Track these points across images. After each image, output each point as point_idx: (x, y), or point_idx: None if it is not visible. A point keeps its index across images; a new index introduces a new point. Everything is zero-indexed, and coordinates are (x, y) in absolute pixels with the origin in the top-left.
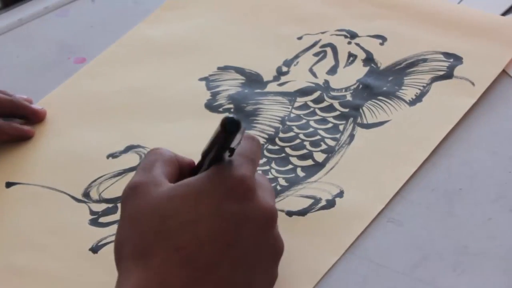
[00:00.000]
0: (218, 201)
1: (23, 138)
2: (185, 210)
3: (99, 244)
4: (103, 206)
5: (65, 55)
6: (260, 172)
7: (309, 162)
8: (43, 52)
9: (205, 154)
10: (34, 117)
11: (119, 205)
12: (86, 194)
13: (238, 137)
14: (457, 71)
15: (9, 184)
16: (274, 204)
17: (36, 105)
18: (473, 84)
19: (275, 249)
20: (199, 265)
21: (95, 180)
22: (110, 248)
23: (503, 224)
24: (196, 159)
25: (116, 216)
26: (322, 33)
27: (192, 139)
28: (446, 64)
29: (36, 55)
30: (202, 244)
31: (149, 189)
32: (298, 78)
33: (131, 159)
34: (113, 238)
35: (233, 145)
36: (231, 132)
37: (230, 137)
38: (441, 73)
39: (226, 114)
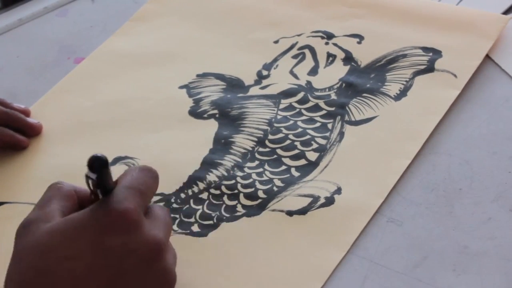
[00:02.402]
0: (99, 235)
1: (17, 147)
2: (64, 245)
3: None
4: None
5: (65, 55)
6: (159, 204)
7: (303, 161)
8: (43, 52)
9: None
10: (30, 131)
11: None
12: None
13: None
14: (438, 64)
15: None
16: (163, 236)
17: (32, 119)
18: (455, 76)
19: (164, 283)
20: None
21: None
22: None
23: (503, 224)
24: (186, 167)
25: None
26: (298, 35)
27: (180, 147)
28: (426, 58)
29: (36, 55)
30: (80, 281)
31: (39, 225)
32: (280, 81)
33: (120, 171)
34: None
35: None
36: (98, 171)
37: (100, 176)
38: (422, 67)
39: (92, 155)
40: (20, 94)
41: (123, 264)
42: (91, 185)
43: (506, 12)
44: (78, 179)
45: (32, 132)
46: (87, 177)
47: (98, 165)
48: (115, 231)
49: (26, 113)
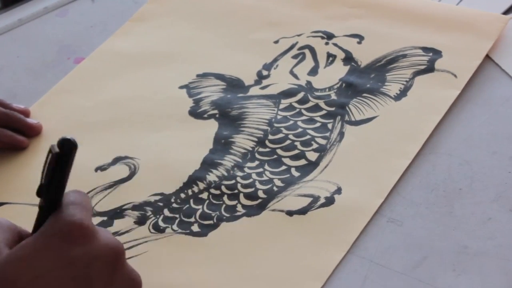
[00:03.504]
0: (62, 249)
1: (17, 147)
2: (30, 267)
3: None
4: (98, 219)
5: (65, 55)
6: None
7: (303, 161)
8: (43, 52)
9: (41, 193)
10: (30, 131)
11: (114, 218)
12: None
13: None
14: (438, 64)
15: None
16: (119, 242)
17: (32, 120)
18: (455, 76)
19: (131, 283)
20: None
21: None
22: None
23: (503, 224)
24: (186, 167)
25: (113, 229)
26: (298, 35)
27: (181, 147)
28: (426, 58)
29: (36, 55)
30: None
31: None
32: (280, 81)
33: (121, 171)
34: None
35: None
36: (69, 151)
37: (68, 157)
38: (422, 67)
39: (61, 137)
40: (20, 94)
41: (90, 271)
42: (46, 169)
43: (506, 12)
44: (78, 179)
45: (31, 132)
46: (50, 162)
47: (67, 147)
48: (76, 242)
49: (26, 113)
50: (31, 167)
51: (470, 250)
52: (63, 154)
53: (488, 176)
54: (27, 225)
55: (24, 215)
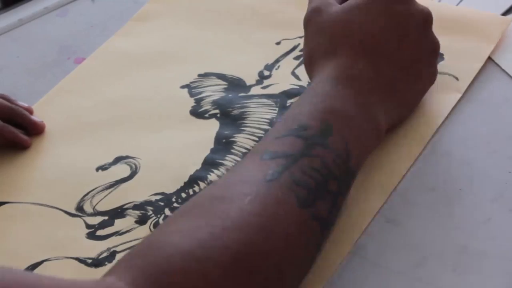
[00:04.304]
0: (386, 4)
1: (19, 145)
2: (361, 14)
3: (100, 257)
4: (99, 219)
5: (65, 55)
6: None
7: None
8: (43, 52)
9: None
10: (33, 129)
11: (115, 217)
12: (80, 208)
13: None
14: (440, 67)
15: None
16: (429, 9)
17: (36, 118)
18: (456, 78)
19: (433, 45)
20: (378, 53)
21: (87, 194)
22: (113, 261)
23: (502, 224)
24: (187, 166)
25: (114, 228)
26: (300, 37)
27: (182, 147)
28: None
29: (36, 55)
30: (379, 37)
31: (327, 8)
32: (282, 81)
33: (122, 170)
34: (115, 248)
35: None
36: None
37: None
38: None
39: None
40: (20, 94)
41: (407, 24)
42: None
43: (506, 13)
44: (80, 178)
45: (35, 130)
46: None
47: None
48: (399, 1)
49: (30, 111)
50: (33, 166)
51: (470, 250)
52: None
53: (488, 176)
54: (30, 225)
55: (26, 214)
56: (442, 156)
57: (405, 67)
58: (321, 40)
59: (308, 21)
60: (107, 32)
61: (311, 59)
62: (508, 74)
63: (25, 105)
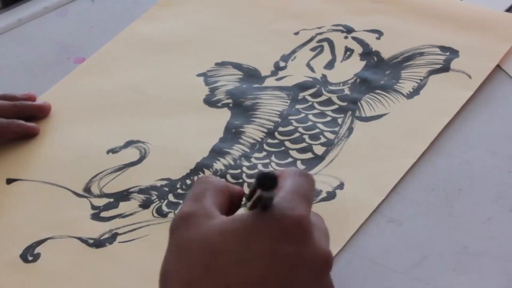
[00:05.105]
0: (272, 241)
1: (29, 135)
2: (237, 247)
3: (102, 238)
4: (105, 200)
5: (64, 55)
6: (314, 211)
7: (309, 155)
8: (43, 52)
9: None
10: (40, 113)
11: (120, 200)
12: (87, 189)
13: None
14: (454, 64)
15: (9, 181)
16: (329, 248)
17: (39, 101)
18: (469, 77)
19: None
20: None
21: (96, 175)
22: (114, 243)
23: (503, 224)
24: (195, 154)
25: (118, 211)
26: (319, 28)
27: (192, 134)
28: (443, 57)
29: (36, 55)
30: (252, 285)
31: (200, 220)
32: (296, 73)
33: (131, 154)
34: (117, 230)
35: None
36: (267, 189)
37: (268, 193)
38: (438, 66)
39: (260, 171)
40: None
41: (294, 273)
42: (255, 197)
43: (510, 9)
44: (90, 160)
45: (43, 113)
46: (253, 190)
47: (269, 183)
48: (290, 239)
49: (32, 98)
50: (46, 147)
51: (470, 250)
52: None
53: (488, 176)
54: (38, 202)
55: (37, 192)
56: (442, 156)
57: None
58: (179, 264)
59: (172, 231)
60: (107, 32)
61: (164, 283)
62: (508, 74)
63: (26, 93)
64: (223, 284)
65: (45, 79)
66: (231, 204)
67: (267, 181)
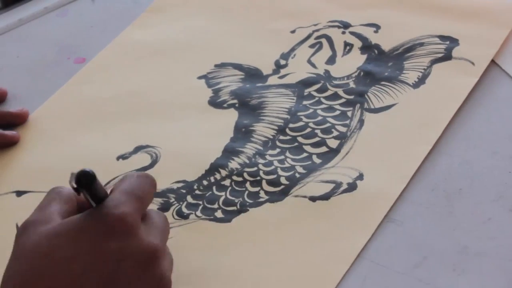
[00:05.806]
0: (96, 238)
1: (8, 144)
2: (62, 247)
3: None
4: None
5: (65, 55)
6: (155, 209)
7: (324, 149)
8: (43, 52)
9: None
10: (18, 120)
11: None
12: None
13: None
14: (455, 52)
15: (19, 193)
16: (160, 242)
17: (15, 109)
18: (473, 63)
19: (158, 282)
20: None
21: (108, 182)
22: None
23: (503, 224)
24: (207, 155)
25: None
26: (315, 25)
27: (201, 136)
28: (443, 46)
29: (36, 55)
30: (76, 281)
31: (38, 227)
32: (298, 70)
33: (142, 159)
34: None
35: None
36: (85, 186)
37: (89, 190)
38: (440, 55)
39: (81, 170)
40: (20, 94)
41: (119, 267)
42: (82, 195)
43: None
44: (100, 168)
45: (20, 119)
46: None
47: (85, 181)
48: (112, 235)
49: (21, 116)
50: (54, 156)
51: (470, 250)
52: (86, 190)
53: (488, 176)
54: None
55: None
56: (442, 156)
57: None
58: (14, 271)
59: (15, 239)
60: (107, 32)
61: (3, 284)
62: (508, 74)
63: (19, 109)
64: (49, 285)
65: (45, 79)
66: (80, 211)
67: (83, 178)
